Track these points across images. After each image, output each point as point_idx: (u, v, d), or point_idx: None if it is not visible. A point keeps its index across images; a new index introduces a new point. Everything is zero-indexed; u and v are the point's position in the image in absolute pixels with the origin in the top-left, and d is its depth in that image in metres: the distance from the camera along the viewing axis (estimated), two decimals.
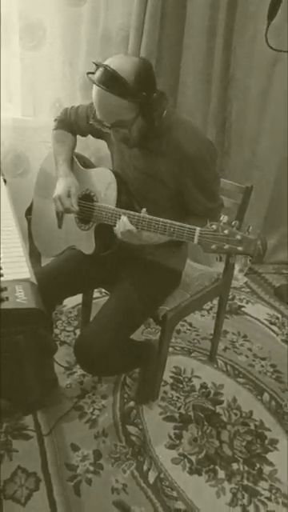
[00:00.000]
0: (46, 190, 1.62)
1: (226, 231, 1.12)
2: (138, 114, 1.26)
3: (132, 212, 1.28)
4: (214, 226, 1.13)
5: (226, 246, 1.12)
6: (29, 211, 1.80)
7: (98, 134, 1.56)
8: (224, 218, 1.13)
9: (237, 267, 2.69)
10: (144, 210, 1.26)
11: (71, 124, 1.61)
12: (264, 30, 1.95)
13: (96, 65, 1.24)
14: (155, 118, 1.28)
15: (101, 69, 1.21)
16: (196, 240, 1.16)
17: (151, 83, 1.26)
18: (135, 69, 1.21)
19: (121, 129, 1.29)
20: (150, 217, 1.24)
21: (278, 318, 2.42)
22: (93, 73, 1.24)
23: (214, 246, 1.13)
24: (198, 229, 1.16)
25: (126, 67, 1.21)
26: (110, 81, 1.19)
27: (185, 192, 1.39)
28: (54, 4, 2.17)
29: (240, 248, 1.11)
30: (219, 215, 1.16)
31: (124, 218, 1.27)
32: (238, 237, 1.10)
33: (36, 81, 2.31)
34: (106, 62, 1.22)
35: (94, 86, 1.23)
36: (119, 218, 1.30)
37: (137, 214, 1.27)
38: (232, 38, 2.43)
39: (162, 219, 1.23)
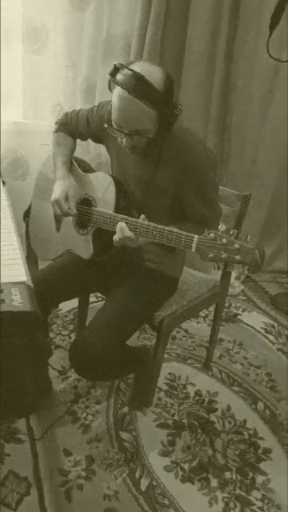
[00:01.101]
0: (44, 193, 1.62)
1: (223, 240, 1.11)
2: (156, 125, 1.23)
3: (130, 218, 1.28)
4: (212, 235, 1.12)
5: (224, 255, 1.11)
6: (27, 214, 1.80)
7: (98, 139, 1.56)
8: (222, 227, 1.12)
9: (233, 275, 2.69)
10: (142, 216, 1.26)
11: (72, 128, 1.61)
12: (266, 38, 1.97)
13: (118, 67, 1.19)
14: (170, 131, 1.26)
15: (128, 72, 1.16)
16: (194, 248, 1.16)
17: (173, 93, 1.23)
18: (164, 78, 1.19)
19: (137, 137, 1.25)
20: (148, 223, 1.24)
21: (273, 327, 2.42)
22: (113, 75, 1.20)
23: (211, 255, 1.12)
24: (196, 237, 1.15)
25: (155, 75, 1.17)
26: (140, 86, 1.15)
27: (183, 199, 1.39)
28: (58, 8, 2.18)
29: (238, 257, 1.10)
30: (218, 223, 1.16)
31: (122, 224, 1.26)
32: (236, 246, 1.10)
33: (37, 84, 2.32)
34: (130, 67, 1.17)
35: (119, 90, 1.18)
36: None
37: (135, 220, 1.26)
38: (234, 46, 2.45)
39: (160, 226, 1.22)
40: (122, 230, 1.26)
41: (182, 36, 2.42)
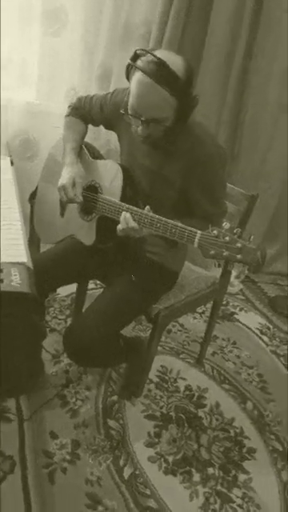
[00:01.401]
0: (52, 177, 1.62)
1: (226, 238, 1.10)
2: (174, 114, 1.22)
3: (135, 208, 1.27)
4: (215, 232, 1.12)
5: (225, 253, 1.11)
6: (33, 196, 1.80)
7: (111, 126, 1.54)
8: (226, 225, 1.12)
9: (233, 273, 2.69)
10: (147, 207, 1.25)
11: (84, 113, 1.59)
12: (286, 38, 1.94)
13: (139, 53, 1.18)
14: (186, 121, 1.24)
15: (150, 58, 1.15)
16: (196, 243, 1.15)
17: (193, 84, 1.22)
18: (186, 67, 1.18)
19: (153, 125, 1.23)
20: (153, 215, 1.23)
21: (269, 329, 2.43)
22: (134, 61, 1.18)
23: (213, 252, 1.12)
24: (199, 232, 1.14)
25: (178, 63, 1.16)
26: (162, 73, 1.14)
27: (189, 194, 1.38)
28: None
29: (239, 256, 1.09)
30: (222, 221, 1.15)
31: (127, 215, 1.26)
32: (239, 245, 1.09)
33: (53, 67, 2.30)
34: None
35: (138, 75, 1.17)
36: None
37: (139, 210, 1.26)
38: (254, 44, 2.42)
39: (164, 218, 1.21)
40: (126, 219, 1.25)
41: (203, 28, 2.39)
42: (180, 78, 1.15)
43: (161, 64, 1.14)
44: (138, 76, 1.18)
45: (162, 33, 2.25)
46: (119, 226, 1.27)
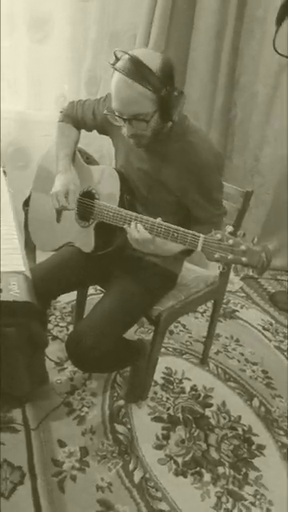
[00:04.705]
0: (45, 185, 1.62)
1: (230, 241, 1.10)
2: (157, 109, 1.22)
3: (135, 214, 1.27)
4: (218, 235, 1.11)
5: (230, 256, 1.10)
6: (26, 203, 1.80)
7: (104, 131, 1.54)
8: (229, 228, 1.11)
9: (233, 270, 2.69)
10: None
11: (77, 118, 1.59)
12: (272, 34, 1.95)
13: (116, 55, 1.21)
14: (172, 117, 1.25)
15: (125, 57, 1.18)
16: (200, 247, 1.15)
17: (173, 79, 1.24)
18: (160, 61, 1.20)
19: (137, 123, 1.24)
20: (154, 220, 1.23)
21: (271, 324, 2.43)
22: (113, 63, 1.21)
23: (217, 255, 1.11)
24: (202, 236, 1.14)
25: (152, 58, 1.19)
26: (135, 69, 1.16)
27: (187, 198, 1.38)
28: None
29: (244, 259, 1.09)
30: (221, 222, 1.15)
31: (138, 226, 1.23)
32: (243, 247, 1.09)
33: (41, 75, 2.30)
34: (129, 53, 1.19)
35: (116, 75, 1.20)
36: (123, 220, 1.29)
37: (139, 216, 1.26)
38: (239, 41, 2.44)
39: (165, 223, 1.21)
40: (138, 231, 1.23)
41: (189, 29, 2.40)
42: (154, 72, 1.17)
43: (133, 60, 1.17)
44: (115, 75, 1.21)
45: (147, 35, 2.27)
46: (132, 238, 1.25)
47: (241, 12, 2.36)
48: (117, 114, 1.26)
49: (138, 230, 1.24)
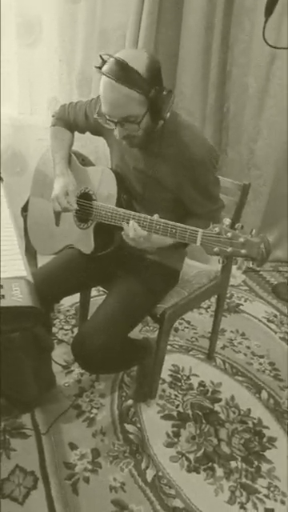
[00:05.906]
0: (43, 190, 1.62)
1: (229, 234, 1.10)
2: (147, 110, 1.22)
3: (133, 212, 1.27)
4: (216, 229, 1.11)
5: (229, 249, 1.10)
6: (25, 208, 1.80)
7: (98, 132, 1.54)
8: (227, 221, 1.11)
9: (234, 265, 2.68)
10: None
11: (69, 121, 1.59)
12: (261, 26, 1.95)
13: (103, 58, 1.20)
14: (163, 117, 1.24)
15: (111, 60, 1.18)
16: (199, 242, 1.15)
17: (161, 79, 1.23)
18: (146, 62, 1.19)
19: (128, 125, 1.24)
20: (152, 217, 1.23)
21: (276, 316, 2.42)
22: (100, 67, 1.20)
23: (216, 249, 1.12)
24: (200, 231, 1.14)
25: (139, 59, 1.18)
26: (122, 72, 1.16)
27: (184, 194, 1.38)
28: (52, 1, 2.16)
29: (243, 251, 1.09)
30: (219, 216, 1.15)
31: (134, 224, 1.24)
32: (241, 239, 1.09)
33: (33, 79, 2.30)
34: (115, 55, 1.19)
35: (103, 78, 1.19)
36: (122, 219, 1.28)
37: (137, 214, 1.26)
38: (229, 35, 2.43)
39: (163, 220, 1.21)
40: (135, 229, 1.24)
41: (177, 25, 2.39)
42: (141, 73, 1.17)
43: (119, 63, 1.16)
44: (102, 79, 1.21)
45: (136, 34, 2.26)
46: (128, 236, 1.26)
47: (229, 4, 2.35)
48: (107, 117, 1.25)
49: (134, 229, 1.24)
